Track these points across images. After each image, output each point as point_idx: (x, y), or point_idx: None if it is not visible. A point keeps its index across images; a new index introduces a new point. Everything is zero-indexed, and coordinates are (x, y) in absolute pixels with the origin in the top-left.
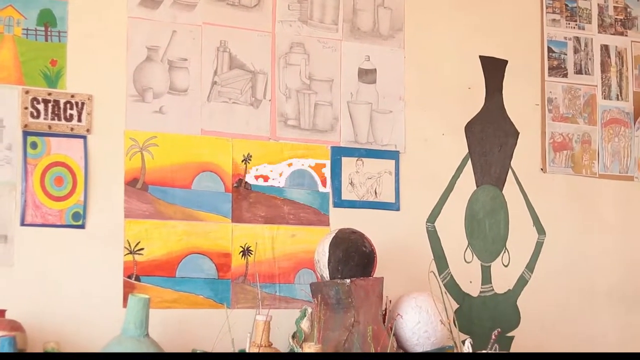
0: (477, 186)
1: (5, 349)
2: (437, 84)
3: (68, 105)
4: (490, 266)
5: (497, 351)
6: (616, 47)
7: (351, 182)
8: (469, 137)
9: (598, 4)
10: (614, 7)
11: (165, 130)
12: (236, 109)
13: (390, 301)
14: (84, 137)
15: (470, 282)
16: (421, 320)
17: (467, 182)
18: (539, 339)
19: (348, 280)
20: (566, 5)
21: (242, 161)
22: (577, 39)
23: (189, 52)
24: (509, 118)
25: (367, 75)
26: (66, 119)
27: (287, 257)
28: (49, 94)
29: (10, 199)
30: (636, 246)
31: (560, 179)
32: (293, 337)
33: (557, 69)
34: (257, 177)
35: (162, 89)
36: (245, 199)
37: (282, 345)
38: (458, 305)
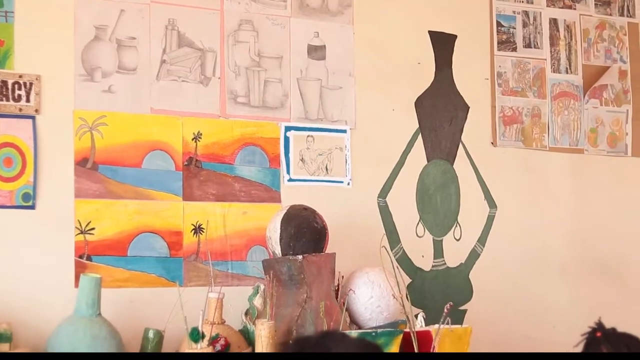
0: (428, 161)
1: None
2: (386, 60)
3: (16, 86)
4: (442, 240)
5: (450, 325)
6: (565, 20)
7: (302, 158)
8: (419, 112)
9: None
10: None
11: (114, 109)
12: (185, 87)
13: (343, 277)
14: (33, 118)
15: (423, 256)
16: (374, 295)
17: (418, 157)
18: (491, 312)
19: (300, 257)
20: None
21: (193, 139)
22: (526, 13)
23: (137, 31)
24: (459, 93)
25: (316, 51)
26: (14, 100)
27: (238, 235)
28: None
29: None
30: (587, 218)
31: (511, 153)
32: (246, 314)
33: (506, 43)
34: (207, 155)
35: (111, 68)
36: (196, 177)
37: (235, 322)
38: (410, 280)
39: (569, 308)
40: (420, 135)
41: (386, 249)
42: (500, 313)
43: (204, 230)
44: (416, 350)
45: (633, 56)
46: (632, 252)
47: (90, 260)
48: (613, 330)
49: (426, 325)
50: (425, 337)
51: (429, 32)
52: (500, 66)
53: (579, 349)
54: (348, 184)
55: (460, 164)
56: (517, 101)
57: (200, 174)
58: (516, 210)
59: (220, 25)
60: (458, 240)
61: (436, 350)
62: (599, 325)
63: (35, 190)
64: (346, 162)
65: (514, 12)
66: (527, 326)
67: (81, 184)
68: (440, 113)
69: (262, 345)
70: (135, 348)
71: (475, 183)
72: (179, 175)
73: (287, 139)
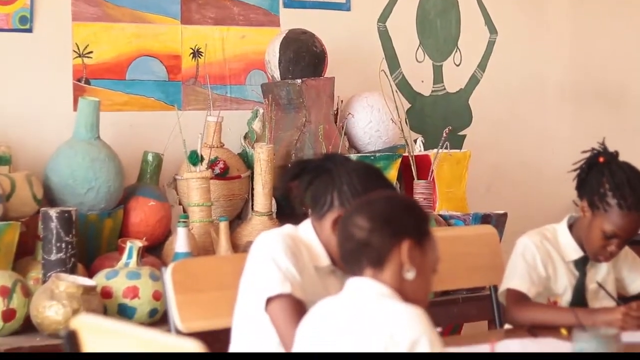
0: None
1: None
2: None
3: None
4: (441, 65)
5: (449, 149)
6: None
7: None
8: None
9: None
10: None
11: None
12: None
13: (342, 101)
14: None
15: (422, 81)
16: (372, 120)
17: None
18: (490, 137)
19: (299, 81)
20: None
21: None
22: None
23: None
24: None
25: None
26: None
27: (237, 59)
28: None
29: None
30: (588, 44)
31: None
32: (245, 137)
33: None
34: None
35: None
36: (194, 0)
37: (234, 145)
38: (410, 105)
39: (568, 133)
40: None
41: (385, 74)
42: (499, 138)
43: (202, 54)
44: (414, 175)
45: None
46: (633, 79)
47: (89, 84)
48: (616, 157)
49: (425, 149)
50: (423, 161)
51: None
52: None
53: (575, 167)
54: (348, 8)
55: None
56: None
57: None
58: (517, 36)
59: None
60: (458, 65)
61: (434, 174)
62: (603, 149)
63: (32, 13)
64: None
65: None
66: (527, 151)
67: (78, 7)
68: None
69: (261, 168)
70: (134, 171)
71: (475, 8)
72: None
73: None
